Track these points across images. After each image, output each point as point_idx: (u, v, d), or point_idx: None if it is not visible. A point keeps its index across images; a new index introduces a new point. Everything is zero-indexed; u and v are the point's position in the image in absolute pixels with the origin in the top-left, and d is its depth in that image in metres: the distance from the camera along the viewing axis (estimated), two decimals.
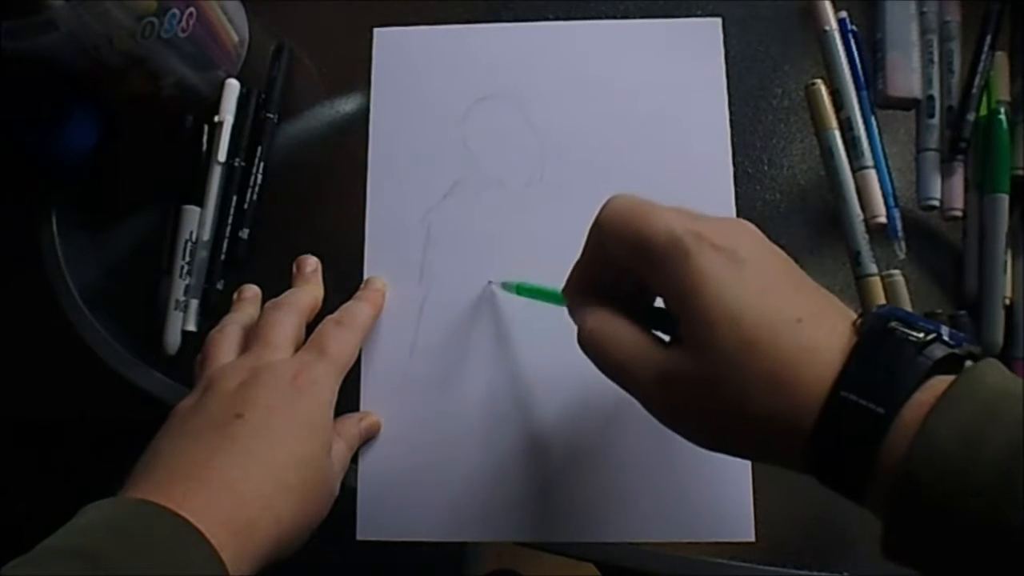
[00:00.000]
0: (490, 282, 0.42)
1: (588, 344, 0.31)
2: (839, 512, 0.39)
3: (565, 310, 0.33)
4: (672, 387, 0.28)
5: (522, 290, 0.40)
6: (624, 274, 0.31)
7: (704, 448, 0.30)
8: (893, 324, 0.26)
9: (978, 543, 0.23)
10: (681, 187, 0.42)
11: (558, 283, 0.42)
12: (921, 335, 0.26)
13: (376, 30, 0.46)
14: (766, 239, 0.29)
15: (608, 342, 0.30)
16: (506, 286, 0.41)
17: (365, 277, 0.43)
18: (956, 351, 0.26)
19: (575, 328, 0.31)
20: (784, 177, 0.43)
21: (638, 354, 0.29)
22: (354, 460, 0.40)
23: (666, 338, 0.30)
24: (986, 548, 0.23)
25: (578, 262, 0.33)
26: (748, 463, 0.39)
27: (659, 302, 0.32)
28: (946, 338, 0.26)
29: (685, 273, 0.27)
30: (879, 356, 0.25)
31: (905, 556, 0.25)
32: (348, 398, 0.40)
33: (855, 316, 0.27)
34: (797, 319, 0.26)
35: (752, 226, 0.29)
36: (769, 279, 0.28)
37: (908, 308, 0.40)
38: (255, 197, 0.44)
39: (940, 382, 0.25)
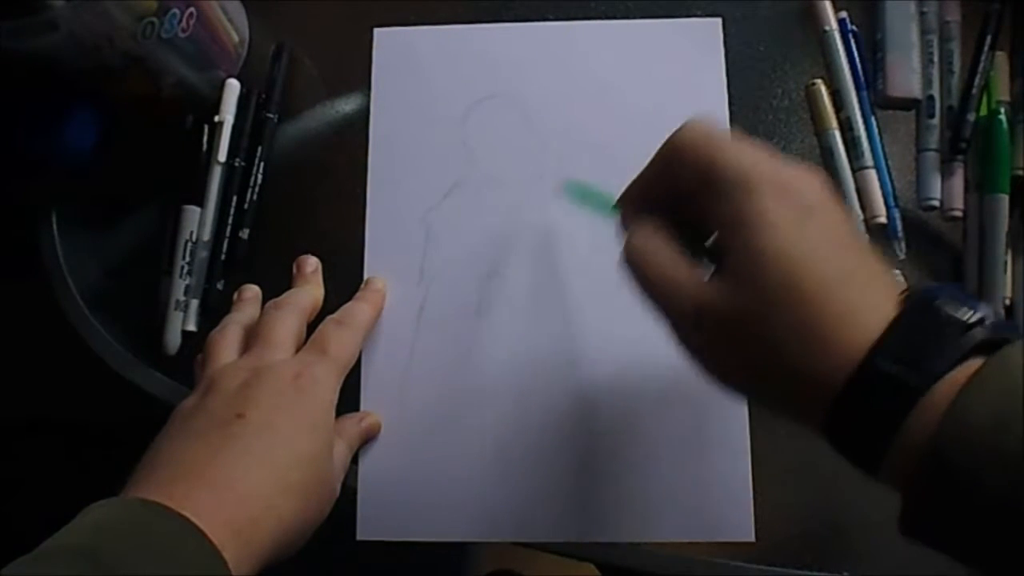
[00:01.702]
0: (555, 188, 0.41)
1: (631, 259, 0.31)
2: (839, 512, 0.39)
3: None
4: (705, 318, 0.28)
5: (576, 191, 0.39)
6: (682, 200, 0.30)
7: (722, 389, 0.29)
8: (939, 301, 0.26)
9: (1000, 522, 0.23)
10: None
11: (558, 284, 0.42)
12: (967, 316, 0.25)
13: (376, 30, 0.46)
14: (833, 194, 0.29)
15: (650, 260, 0.30)
16: (563, 187, 0.40)
17: (365, 277, 0.43)
18: (997, 336, 0.25)
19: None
20: None
21: (677, 279, 0.29)
22: (354, 460, 0.40)
23: (708, 273, 0.30)
24: (1008, 528, 0.23)
25: (638, 177, 0.32)
26: (747, 463, 0.39)
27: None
28: (990, 322, 0.26)
29: (746, 208, 0.27)
30: (920, 330, 0.25)
31: (923, 533, 0.25)
32: (348, 398, 0.40)
33: (903, 289, 0.27)
34: (845, 278, 0.26)
35: (822, 178, 0.29)
36: (827, 233, 0.27)
37: None
38: (255, 197, 0.44)
39: (975, 363, 0.25)
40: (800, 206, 0.27)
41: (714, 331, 0.28)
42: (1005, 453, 0.23)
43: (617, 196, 0.34)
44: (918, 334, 0.25)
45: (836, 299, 0.26)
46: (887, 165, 0.42)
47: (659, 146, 0.31)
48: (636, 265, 0.31)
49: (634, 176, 0.32)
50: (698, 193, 0.29)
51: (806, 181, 0.28)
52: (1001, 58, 0.43)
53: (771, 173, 0.28)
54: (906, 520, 0.25)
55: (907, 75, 0.43)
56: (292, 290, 0.41)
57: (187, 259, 0.43)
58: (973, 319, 0.25)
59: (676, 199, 0.31)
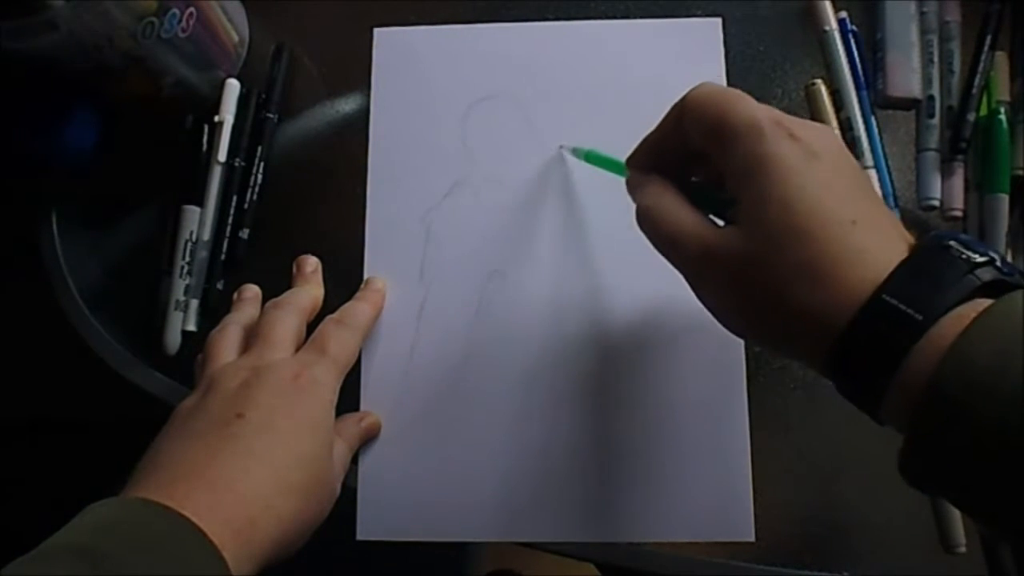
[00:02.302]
0: (561, 146, 0.43)
1: (644, 217, 0.32)
2: (839, 512, 0.39)
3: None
4: (715, 263, 0.29)
5: (590, 157, 0.40)
6: (692, 158, 0.32)
7: (736, 334, 0.30)
8: (950, 242, 0.26)
9: (997, 462, 0.23)
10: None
11: (558, 284, 0.42)
12: (976, 257, 0.26)
13: (376, 30, 0.46)
14: (844, 146, 0.29)
15: (663, 215, 0.31)
16: (576, 152, 0.42)
17: (365, 277, 0.43)
18: (1007, 279, 0.26)
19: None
20: None
21: (688, 229, 0.30)
22: (354, 460, 0.40)
23: (720, 224, 0.31)
24: (1007, 468, 0.23)
25: (647, 137, 0.33)
26: (747, 463, 0.39)
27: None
28: (999, 265, 0.26)
29: (756, 153, 0.28)
30: (929, 268, 0.26)
31: (921, 474, 0.25)
32: (348, 398, 0.40)
33: (913, 240, 0.28)
34: (852, 220, 0.27)
35: (833, 131, 0.29)
36: (836, 178, 0.28)
37: None
38: (255, 197, 0.44)
39: (982, 303, 0.25)
40: (808, 151, 0.28)
41: (723, 274, 0.29)
42: (1004, 392, 0.23)
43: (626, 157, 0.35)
44: (926, 273, 0.26)
45: (841, 241, 0.26)
46: (887, 165, 0.42)
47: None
48: (649, 223, 0.31)
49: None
50: (710, 145, 0.30)
51: (816, 129, 0.29)
52: (1001, 58, 0.43)
53: (781, 120, 0.28)
54: (905, 461, 0.25)
55: (907, 75, 0.43)
56: (292, 290, 0.41)
57: (187, 259, 0.43)
58: (982, 260, 0.26)
59: (685, 159, 0.32)
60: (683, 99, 0.31)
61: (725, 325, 0.30)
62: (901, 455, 0.25)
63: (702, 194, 0.32)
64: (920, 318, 0.25)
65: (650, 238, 0.32)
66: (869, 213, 0.27)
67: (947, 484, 0.25)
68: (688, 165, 0.33)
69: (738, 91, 0.30)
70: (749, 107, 0.29)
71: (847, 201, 0.27)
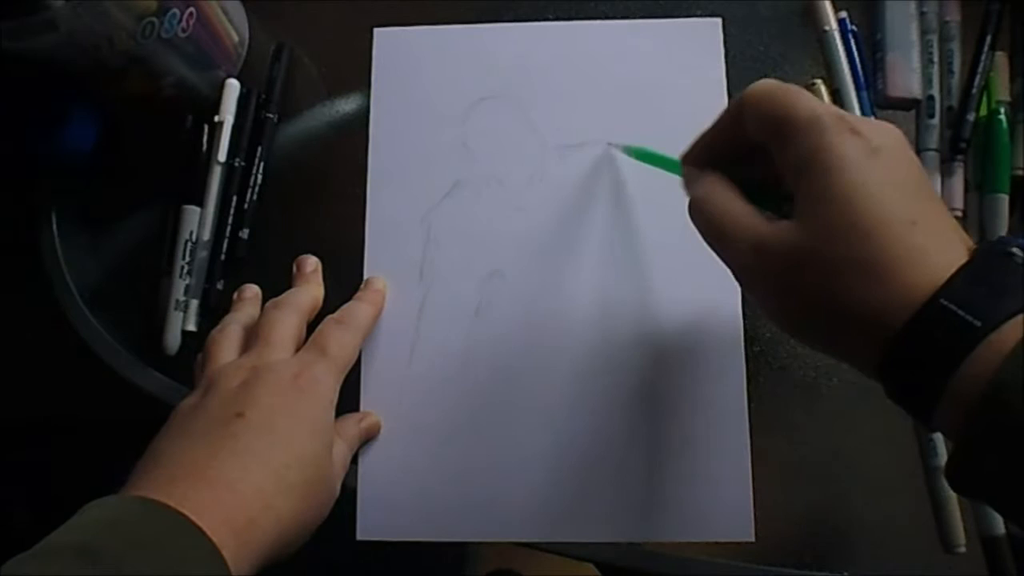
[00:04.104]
0: (609, 144, 0.43)
1: (696, 209, 0.31)
2: (839, 512, 0.39)
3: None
4: (768, 257, 0.28)
5: (641, 155, 0.40)
6: (749, 153, 0.31)
7: (782, 329, 0.30)
8: (1013, 248, 0.26)
9: None
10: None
11: (557, 284, 0.42)
12: None
13: (376, 30, 0.46)
14: (907, 143, 0.29)
15: (715, 208, 0.30)
16: (626, 150, 0.42)
17: (365, 277, 0.43)
18: None
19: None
20: None
21: (741, 222, 0.30)
22: (354, 460, 0.40)
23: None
24: None
25: (703, 134, 0.33)
26: (747, 463, 0.39)
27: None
28: None
29: (817, 147, 0.27)
30: (989, 274, 0.25)
31: (971, 481, 0.25)
32: (348, 398, 0.40)
33: (973, 244, 0.27)
34: (913, 220, 0.26)
35: (897, 129, 0.29)
36: (898, 176, 0.27)
37: None
38: (255, 197, 0.44)
39: None
40: (870, 147, 0.27)
41: (775, 268, 0.28)
42: None
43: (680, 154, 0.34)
44: (986, 278, 0.25)
45: (900, 240, 0.26)
46: None
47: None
48: (700, 215, 0.31)
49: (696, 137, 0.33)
50: (769, 139, 0.29)
51: (879, 125, 0.28)
52: (1001, 58, 0.43)
53: (843, 115, 0.28)
54: (954, 467, 0.25)
55: (907, 75, 0.43)
56: (292, 290, 0.41)
57: (187, 259, 0.43)
58: None
59: (741, 155, 0.32)
60: (743, 93, 0.30)
61: (773, 321, 0.30)
62: (951, 461, 0.25)
63: (756, 190, 0.31)
64: (978, 324, 0.24)
65: (700, 229, 0.31)
66: (930, 213, 0.27)
67: (1000, 492, 0.25)
68: (743, 163, 0.32)
69: (799, 87, 0.29)
70: (811, 101, 0.28)
71: (908, 200, 0.27)
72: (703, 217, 0.31)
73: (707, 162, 0.33)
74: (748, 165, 0.32)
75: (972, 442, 0.24)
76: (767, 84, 0.30)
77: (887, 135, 0.28)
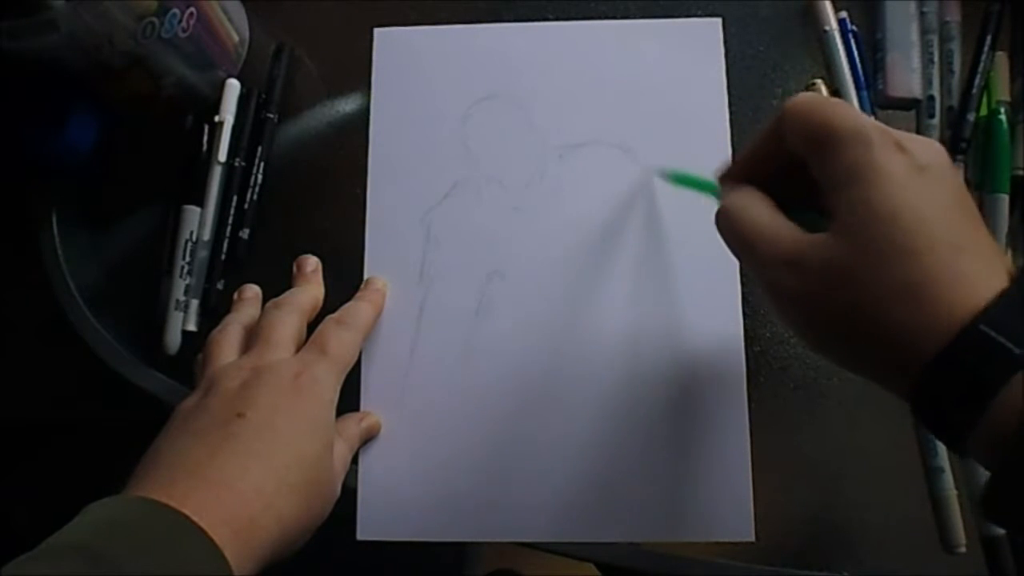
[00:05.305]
0: (649, 168, 0.42)
1: (726, 218, 0.31)
2: (839, 512, 0.39)
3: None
4: (800, 270, 0.27)
5: (679, 179, 0.40)
6: (789, 170, 0.30)
7: (805, 343, 0.29)
8: None
9: None
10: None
11: (557, 282, 0.42)
12: None
13: (376, 30, 0.46)
14: (951, 162, 0.28)
15: (747, 218, 0.30)
16: (664, 174, 0.41)
17: (365, 277, 0.43)
18: None
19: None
20: None
21: (774, 234, 0.29)
22: (354, 460, 0.40)
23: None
24: None
25: (742, 152, 0.33)
26: (747, 463, 0.39)
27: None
28: None
29: (862, 162, 0.27)
30: None
31: (1008, 512, 0.24)
32: (348, 398, 0.40)
33: (1013, 268, 0.27)
34: (958, 243, 0.26)
35: (942, 147, 0.28)
36: (942, 196, 0.27)
37: None
38: (255, 197, 0.44)
39: None
40: (916, 164, 0.27)
41: (808, 282, 0.27)
42: None
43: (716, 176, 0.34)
44: None
45: (943, 262, 0.25)
46: None
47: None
48: (733, 220, 0.30)
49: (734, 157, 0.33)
50: (810, 152, 0.29)
51: (924, 142, 0.28)
52: (1001, 58, 0.43)
53: (888, 130, 0.27)
54: (991, 496, 0.25)
55: (907, 75, 0.43)
56: (292, 290, 0.41)
57: (187, 259, 0.43)
58: None
59: (778, 172, 0.31)
60: (784, 106, 0.30)
61: (797, 335, 0.29)
62: (987, 491, 0.25)
63: (791, 205, 0.30)
64: (1018, 352, 0.24)
65: (728, 239, 0.31)
66: (973, 236, 0.26)
67: None
68: (779, 179, 0.31)
69: (841, 100, 0.29)
70: (855, 115, 0.28)
71: (952, 221, 0.26)
72: (734, 226, 0.30)
73: (744, 180, 0.32)
74: (785, 180, 0.31)
75: (1010, 473, 0.24)
76: (809, 96, 0.29)
77: (934, 153, 0.28)
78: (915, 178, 0.26)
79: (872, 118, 0.28)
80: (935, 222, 0.26)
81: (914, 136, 0.28)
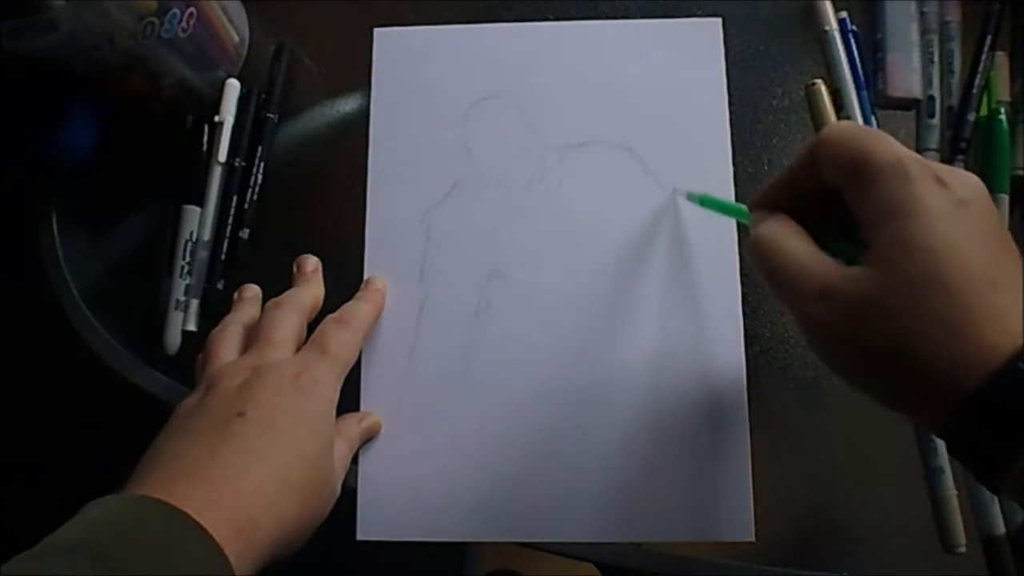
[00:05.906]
0: (675, 190, 0.42)
1: (759, 248, 0.30)
2: (839, 512, 0.39)
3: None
4: (835, 303, 0.27)
5: (706, 202, 0.40)
6: (823, 197, 0.30)
7: (837, 374, 0.29)
8: None
9: None
10: (681, 186, 0.42)
11: (557, 285, 0.42)
12: None
13: (376, 30, 0.46)
14: (989, 196, 0.28)
15: (780, 249, 0.29)
16: (691, 196, 0.41)
17: (365, 277, 0.43)
18: None
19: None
20: None
21: (808, 266, 0.28)
22: (354, 460, 0.40)
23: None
24: None
25: (775, 179, 0.32)
26: (747, 463, 0.39)
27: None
28: None
29: (901, 194, 0.26)
30: None
31: None
32: (348, 398, 0.40)
33: None
34: (994, 278, 0.25)
35: (980, 180, 0.28)
36: (982, 230, 0.26)
37: None
38: (255, 197, 0.44)
39: None
40: (955, 199, 0.26)
41: (843, 316, 0.27)
42: None
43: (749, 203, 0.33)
44: None
45: (982, 298, 0.25)
46: None
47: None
48: (765, 248, 0.30)
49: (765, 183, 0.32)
50: (846, 183, 0.28)
51: (963, 176, 0.28)
52: (1001, 58, 0.43)
53: (927, 163, 0.27)
54: None
55: (907, 75, 0.43)
56: (292, 289, 0.41)
57: (187, 259, 0.43)
58: None
59: (811, 197, 0.31)
60: (819, 135, 0.29)
61: (829, 366, 0.29)
62: (1021, 537, 0.25)
63: (825, 236, 0.30)
64: None
65: (761, 270, 0.30)
66: (1011, 272, 0.26)
67: None
68: (812, 209, 0.31)
69: (879, 130, 0.28)
70: (893, 146, 0.28)
71: (991, 256, 0.26)
72: (769, 260, 0.30)
73: (776, 207, 0.32)
74: (818, 206, 0.31)
75: None
76: (846, 125, 0.29)
77: (972, 187, 0.27)
78: (954, 213, 0.26)
79: (909, 150, 0.28)
80: (973, 257, 0.26)
81: (953, 169, 0.28)
